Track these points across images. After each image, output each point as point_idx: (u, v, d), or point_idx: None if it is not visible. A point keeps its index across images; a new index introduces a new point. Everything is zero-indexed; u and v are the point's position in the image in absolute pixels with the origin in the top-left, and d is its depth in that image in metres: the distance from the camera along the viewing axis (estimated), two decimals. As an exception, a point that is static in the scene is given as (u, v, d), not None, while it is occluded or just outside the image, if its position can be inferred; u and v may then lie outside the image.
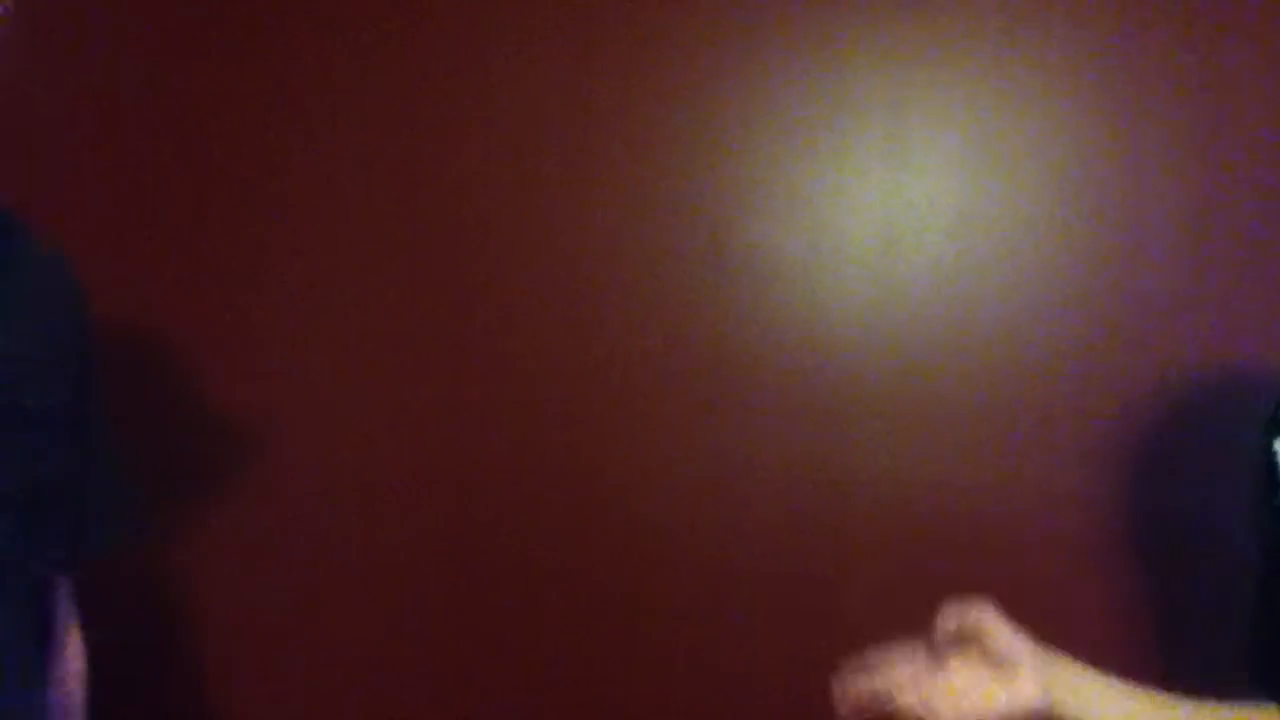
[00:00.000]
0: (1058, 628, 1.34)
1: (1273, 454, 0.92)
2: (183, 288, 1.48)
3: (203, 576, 1.47)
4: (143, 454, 1.21)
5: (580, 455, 1.44)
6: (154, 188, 1.48)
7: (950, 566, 1.37)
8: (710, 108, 1.43)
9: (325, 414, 1.48)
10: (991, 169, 1.39)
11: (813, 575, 1.39)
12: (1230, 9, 1.33)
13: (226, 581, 1.47)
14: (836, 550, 1.39)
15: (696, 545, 1.41)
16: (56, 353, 0.93)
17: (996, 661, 0.83)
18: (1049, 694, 0.84)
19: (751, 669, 1.40)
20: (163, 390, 1.49)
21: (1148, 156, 1.34)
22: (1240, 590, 0.93)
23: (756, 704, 1.40)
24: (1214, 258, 1.33)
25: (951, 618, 0.84)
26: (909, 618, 1.38)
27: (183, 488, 1.46)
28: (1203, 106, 1.34)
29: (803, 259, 1.42)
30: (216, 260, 1.50)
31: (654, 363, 1.43)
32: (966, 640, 0.84)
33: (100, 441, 1.00)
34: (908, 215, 1.41)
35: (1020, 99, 1.38)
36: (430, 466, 1.46)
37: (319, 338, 1.48)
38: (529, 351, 1.46)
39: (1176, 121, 1.34)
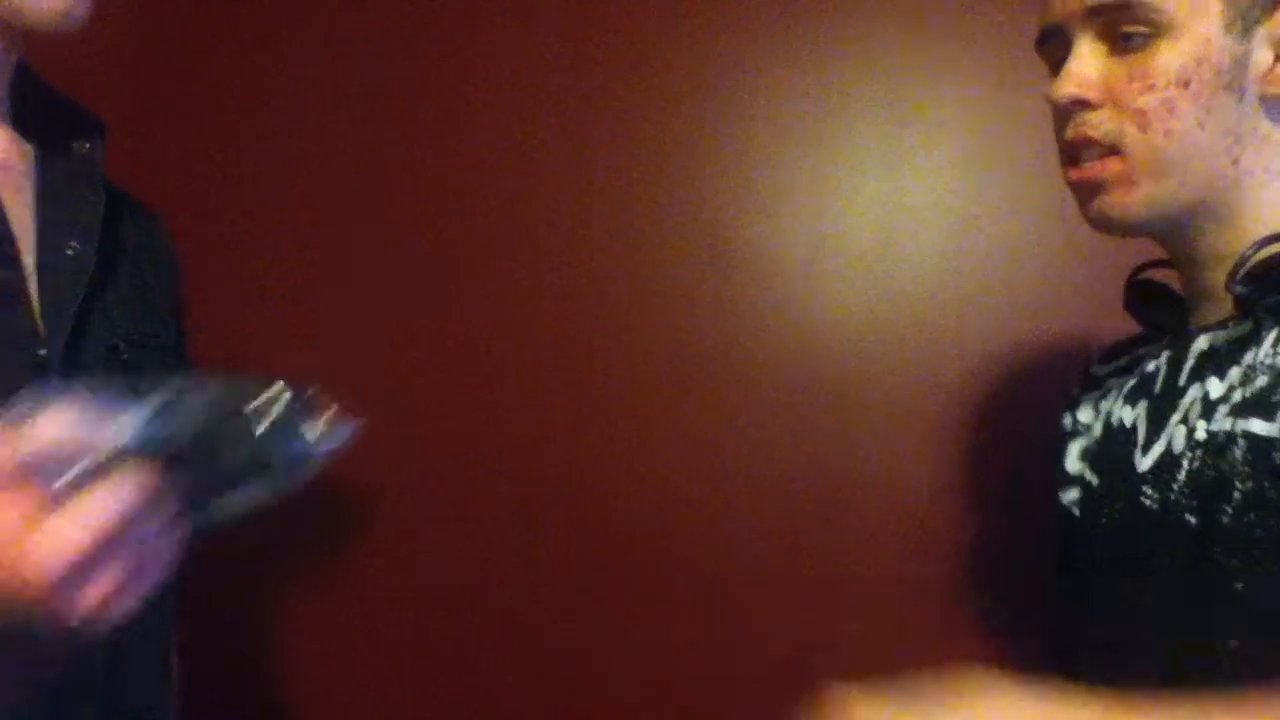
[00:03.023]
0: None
1: (1062, 426, 0.99)
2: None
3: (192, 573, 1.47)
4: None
5: (578, 455, 1.44)
6: (150, 186, 1.48)
7: (949, 567, 1.37)
8: (710, 108, 1.44)
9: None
10: (991, 169, 1.39)
11: (813, 575, 1.39)
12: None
13: (221, 579, 1.47)
14: (836, 550, 1.39)
15: (695, 545, 1.41)
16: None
17: None
18: None
19: (751, 668, 1.40)
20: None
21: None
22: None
23: (756, 704, 1.40)
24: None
25: None
26: (909, 618, 1.38)
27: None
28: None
29: (803, 259, 1.42)
30: (213, 259, 1.49)
31: (653, 362, 1.43)
32: None
33: None
34: (907, 215, 1.41)
35: (1020, 99, 1.38)
36: (427, 466, 1.46)
37: (316, 339, 1.48)
38: (527, 351, 1.46)
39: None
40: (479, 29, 1.48)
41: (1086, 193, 0.86)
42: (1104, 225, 0.86)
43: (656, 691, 1.42)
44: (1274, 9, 0.80)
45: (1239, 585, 0.75)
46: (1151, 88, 0.80)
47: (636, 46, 1.45)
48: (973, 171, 1.39)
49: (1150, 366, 0.89)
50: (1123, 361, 0.97)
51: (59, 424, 0.57)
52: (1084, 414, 0.97)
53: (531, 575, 1.44)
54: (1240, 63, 0.80)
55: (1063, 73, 0.84)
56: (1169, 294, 0.94)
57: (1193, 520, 0.78)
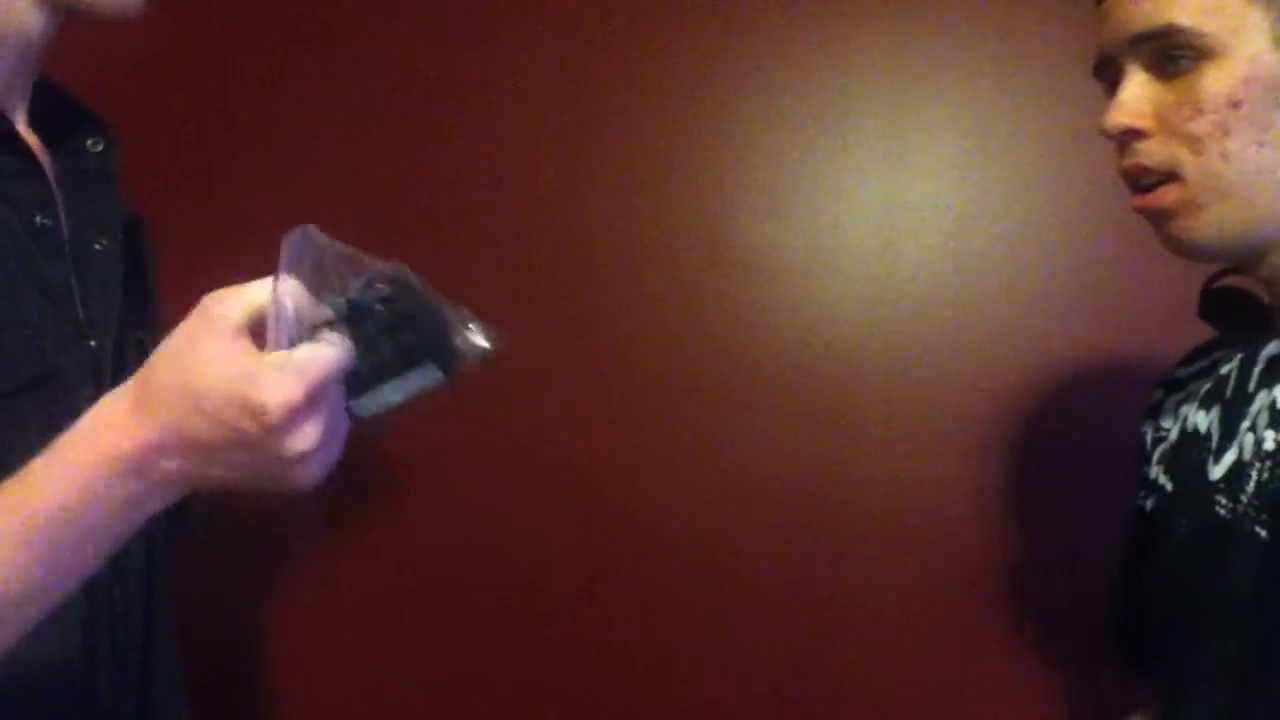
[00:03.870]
0: (1058, 627, 1.34)
1: (1142, 436, 0.99)
2: (180, 287, 1.48)
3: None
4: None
5: (578, 455, 1.43)
6: (147, 188, 1.48)
7: (950, 567, 1.37)
8: (710, 107, 1.43)
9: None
10: (991, 169, 1.39)
11: (813, 575, 1.39)
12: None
13: (221, 578, 1.47)
14: (836, 550, 1.39)
15: (695, 545, 1.41)
16: None
17: None
18: None
19: (751, 669, 1.40)
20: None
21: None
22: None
23: (756, 704, 1.40)
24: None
25: None
26: (910, 618, 1.38)
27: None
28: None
29: (802, 259, 1.42)
30: (209, 253, 1.49)
31: (653, 363, 1.43)
32: None
33: None
34: (907, 215, 1.41)
35: (1020, 99, 1.38)
36: (426, 466, 1.46)
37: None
38: (525, 351, 1.45)
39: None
40: (480, 31, 1.48)
41: (1154, 220, 0.85)
42: (1177, 251, 0.85)
43: (657, 693, 1.42)
44: None
45: None
46: (1200, 112, 0.79)
47: (637, 46, 1.45)
48: (973, 171, 1.39)
49: (1224, 370, 0.87)
50: (1205, 363, 0.96)
51: (283, 289, 0.66)
52: (1166, 419, 0.95)
53: (528, 575, 1.44)
54: None
55: (1113, 103, 0.83)
56: (1250, 300, 0.91)
57: (1263, 533, 0.77)
